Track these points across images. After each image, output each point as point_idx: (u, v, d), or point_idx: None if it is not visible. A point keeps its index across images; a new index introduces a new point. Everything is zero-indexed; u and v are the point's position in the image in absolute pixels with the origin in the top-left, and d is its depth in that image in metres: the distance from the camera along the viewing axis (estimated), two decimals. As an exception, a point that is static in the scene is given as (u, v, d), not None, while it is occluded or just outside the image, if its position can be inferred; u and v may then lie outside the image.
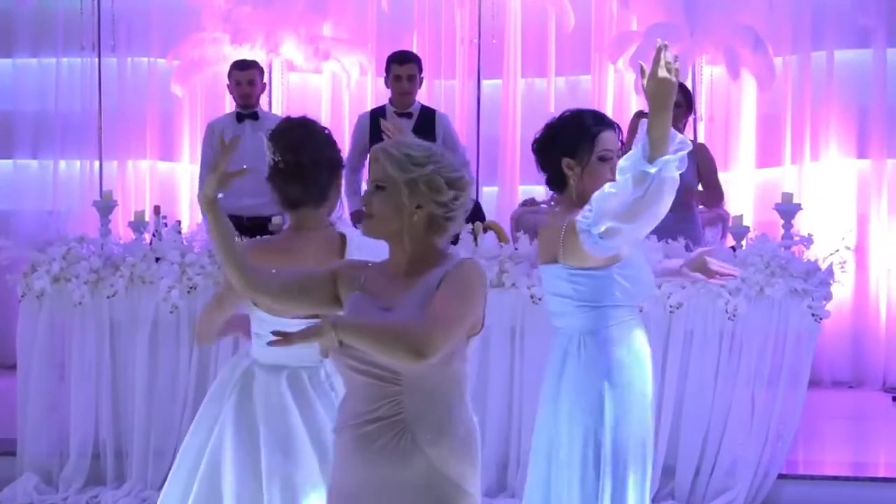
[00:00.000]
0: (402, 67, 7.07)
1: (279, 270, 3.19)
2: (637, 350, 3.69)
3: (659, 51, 3.29)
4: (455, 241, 5.66)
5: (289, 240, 3.68)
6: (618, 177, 3.39)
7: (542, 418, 3.75)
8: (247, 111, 7.29)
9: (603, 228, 3.42)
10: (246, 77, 7.25)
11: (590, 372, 3.62)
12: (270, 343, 2.79)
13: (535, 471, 3.75)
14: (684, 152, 3.37)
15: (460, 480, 2.91)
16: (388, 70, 7.15)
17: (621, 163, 3.40)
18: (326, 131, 3.73)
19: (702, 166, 7.04)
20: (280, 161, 3.61)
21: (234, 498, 3.67)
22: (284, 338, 2.77)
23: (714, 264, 4.03)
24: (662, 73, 3.28)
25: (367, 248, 3.29)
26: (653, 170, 3.31)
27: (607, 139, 3.65)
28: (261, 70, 7.44)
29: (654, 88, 3.30)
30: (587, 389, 3.62)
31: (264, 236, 4.93)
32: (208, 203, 3.13)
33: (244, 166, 3.20)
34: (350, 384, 2.97)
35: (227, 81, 7.45)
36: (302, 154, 3.61)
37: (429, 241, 2.97)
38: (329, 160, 3.67)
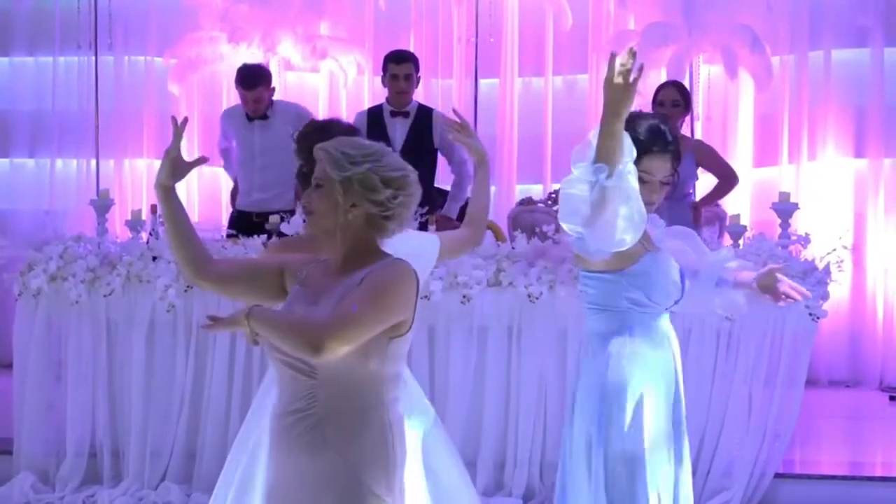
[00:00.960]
0: (400, 66, 7.04)
1: (228, 260, 3.22)
2: (643, 357, 3.58)
3: (613, 56, 3.12)
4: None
5: (313, 240, 3.69)
6: (574, 171, 3.27)
7: (566, 417, 3.72)
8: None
9: (567, 228, 3.33)
10: (251, 96, 7.09)
11: (595, 375, 3.58)
12: (203, 326, 2.87)
13: (569, 470, 3.65)
14: (627, 167, 3.23)
15: (370, 482, 2.88)
16: (385, 69, 7.11)
17: (579, 164, 3.27)
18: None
19: (705, 161, 7.03)
20: (303, 165, 3.65)
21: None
22: (214, 322, 2.84)
23: (784, 284, 3.79)
24: (617, 78, 3.13)
25: (390, 246, 3.29)
26: (591, 177, 3.19)
27: (652, 161, 3.48)
28: (267, 80, 7.20)
29: (608, 92, 3.16)
30: (590, 392, 3.58)
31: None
32: (164, 191, 3.09)
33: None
34: (278, 375, 3.00)
35: (223, 80, 7.41)
36: None
37: (367, 240, 2.97)
38: None
